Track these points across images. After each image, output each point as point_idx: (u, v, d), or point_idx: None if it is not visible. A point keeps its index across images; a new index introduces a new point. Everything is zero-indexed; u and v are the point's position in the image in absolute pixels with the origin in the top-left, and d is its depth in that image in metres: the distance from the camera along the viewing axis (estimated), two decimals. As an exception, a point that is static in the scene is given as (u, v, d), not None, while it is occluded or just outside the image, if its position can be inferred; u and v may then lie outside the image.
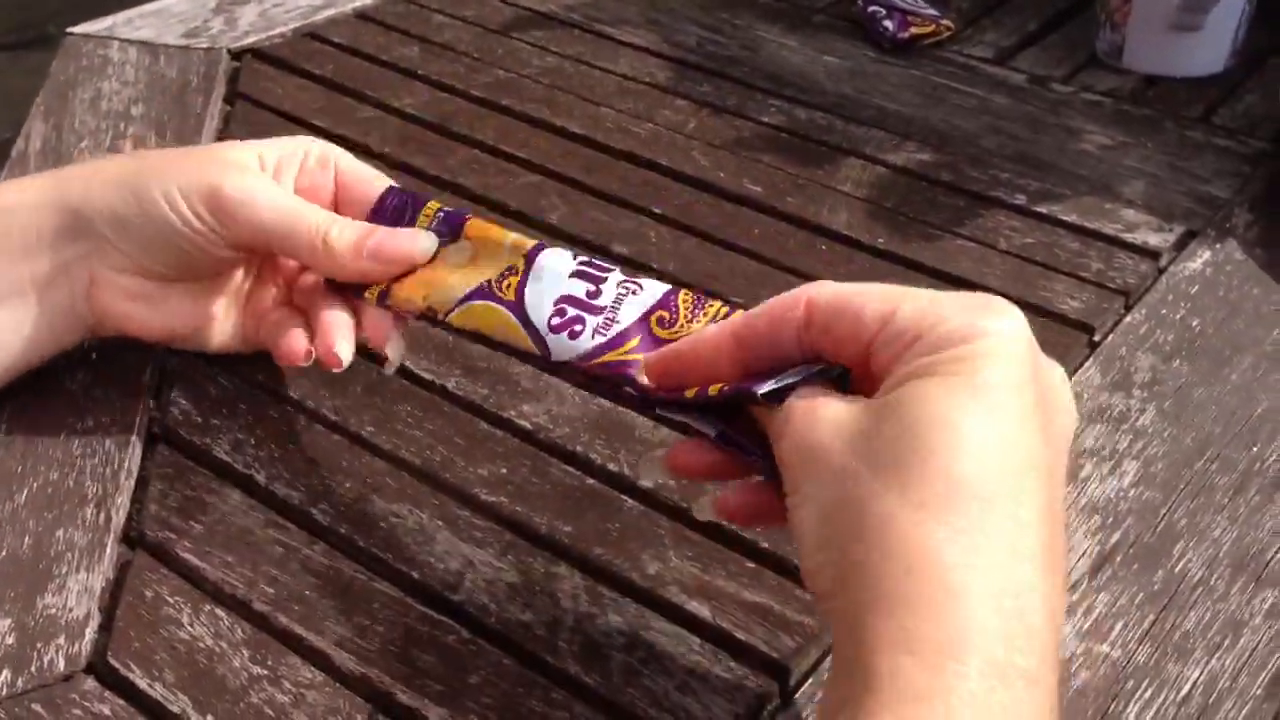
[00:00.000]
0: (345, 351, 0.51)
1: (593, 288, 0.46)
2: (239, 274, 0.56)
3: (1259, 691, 0.44)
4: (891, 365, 0.37)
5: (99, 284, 0.51)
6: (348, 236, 0.50)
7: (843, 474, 0.35)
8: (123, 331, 0.54)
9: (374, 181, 0.54)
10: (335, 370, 0.51)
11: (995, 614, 0.32)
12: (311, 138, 0.55)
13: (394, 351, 0.52)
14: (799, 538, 0.37)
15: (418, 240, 0.50)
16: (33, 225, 0.50)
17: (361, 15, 0.89)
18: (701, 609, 0.46)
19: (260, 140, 0.54)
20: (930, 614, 0.32)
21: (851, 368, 0.39)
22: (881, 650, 0.32)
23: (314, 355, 0.52)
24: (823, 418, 0.37)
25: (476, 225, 0.50)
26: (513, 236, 0.49)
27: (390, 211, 0.53)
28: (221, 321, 0.55)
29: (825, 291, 0.39)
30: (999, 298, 0.38)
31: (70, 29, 0.86)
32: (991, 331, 0.36)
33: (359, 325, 0.52)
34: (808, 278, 0.63)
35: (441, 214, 0.51)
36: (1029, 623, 0.33)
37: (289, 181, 0.53)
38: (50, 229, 0.50)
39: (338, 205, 0.54)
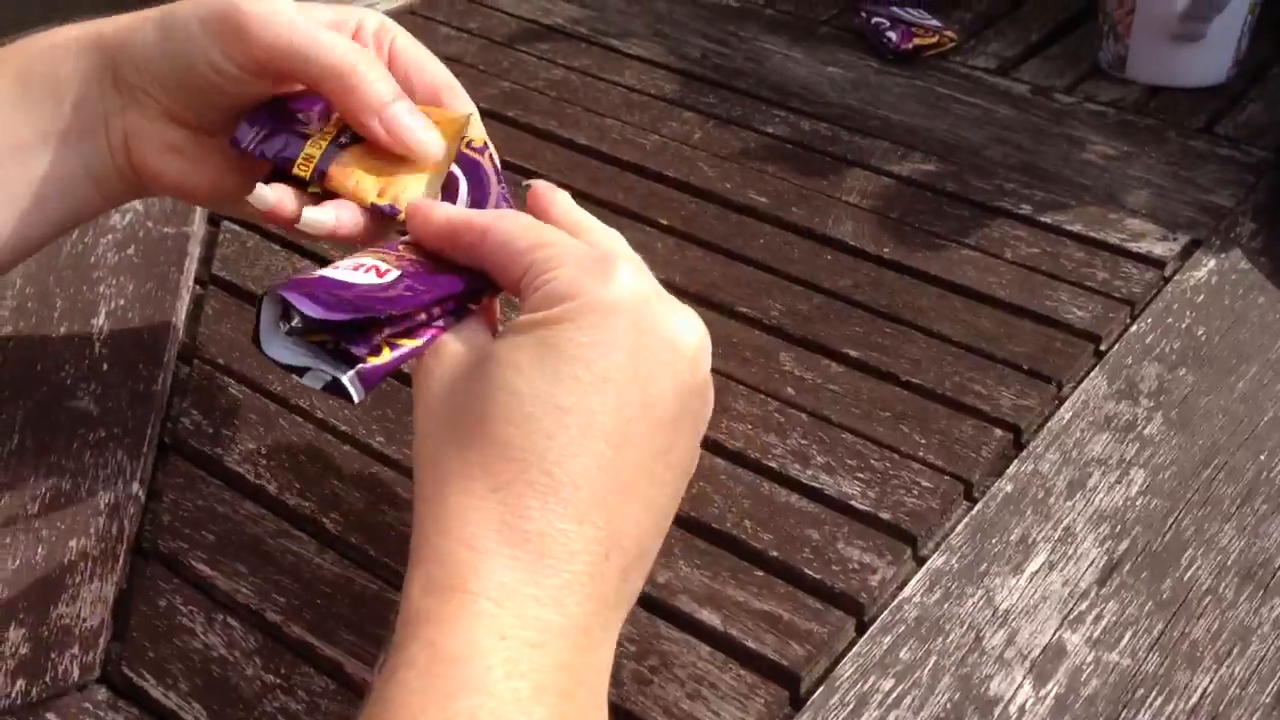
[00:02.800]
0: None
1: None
2: None
3: (1268, 700, 0.44)
4: (523, 309, 0.40)
5: (135, 136, 0.50)
6: (375, 79, 0.47)
7: (436, 419, 0.39)
8: (164, 186, 0.52)
9: (434, 72, 0.50)
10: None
11: (510, 567, 0.36)
12: (367, 10, 0.51)
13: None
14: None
15: (430, 139, 0.47)
16: (75, 74, 0.49)
17: (368, 27, 0.89)
18: (712, 617, 0.47)
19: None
20: (447, 567, 0.36)
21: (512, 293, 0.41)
22: (414, 581, 0.37)
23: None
24: (446, 357, 0.40)
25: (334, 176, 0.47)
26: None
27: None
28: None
29: (500, 223, 0.42)
30: (625, 254, 0.41)
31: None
32: (584, 293, 0.38)
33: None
34: (812, 287, 0.64)
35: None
36: (547, 563, 0.36)
37: None
38: (90, 79, 0.49)
39: None
